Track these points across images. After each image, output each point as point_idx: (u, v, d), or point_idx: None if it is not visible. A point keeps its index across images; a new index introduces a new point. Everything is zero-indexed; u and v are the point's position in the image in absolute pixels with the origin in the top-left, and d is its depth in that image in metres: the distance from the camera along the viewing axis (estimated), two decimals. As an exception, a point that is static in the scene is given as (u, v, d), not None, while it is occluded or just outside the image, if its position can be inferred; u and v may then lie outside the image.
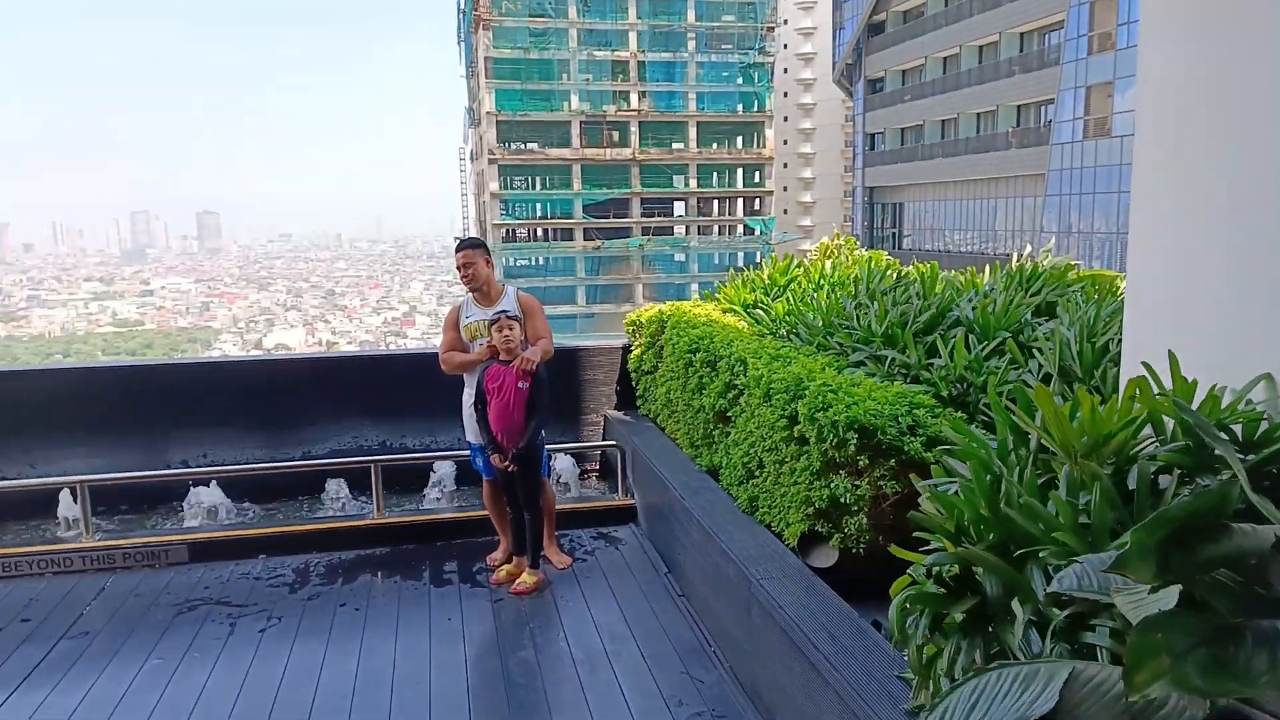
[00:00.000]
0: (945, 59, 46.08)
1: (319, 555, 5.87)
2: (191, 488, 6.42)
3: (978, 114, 43.75)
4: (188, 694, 4.21)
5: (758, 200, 68.31)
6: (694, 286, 56.14)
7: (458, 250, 5.55)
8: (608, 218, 65.48)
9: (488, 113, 62.53)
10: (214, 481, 6.46)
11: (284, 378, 7.32)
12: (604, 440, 7.11)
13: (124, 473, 6.37)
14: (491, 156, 62.95)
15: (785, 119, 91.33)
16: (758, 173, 67.61)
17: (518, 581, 5.26)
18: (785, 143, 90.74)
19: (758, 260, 7.95)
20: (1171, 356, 2.36)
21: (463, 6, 65.73)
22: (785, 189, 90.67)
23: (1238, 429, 2.20)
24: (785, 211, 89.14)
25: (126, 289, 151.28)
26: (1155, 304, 2.71)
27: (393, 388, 7.20)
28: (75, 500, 6.04)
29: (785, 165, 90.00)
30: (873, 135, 52.19)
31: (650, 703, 3.98)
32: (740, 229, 67.85)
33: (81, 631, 4.92)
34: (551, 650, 4.54)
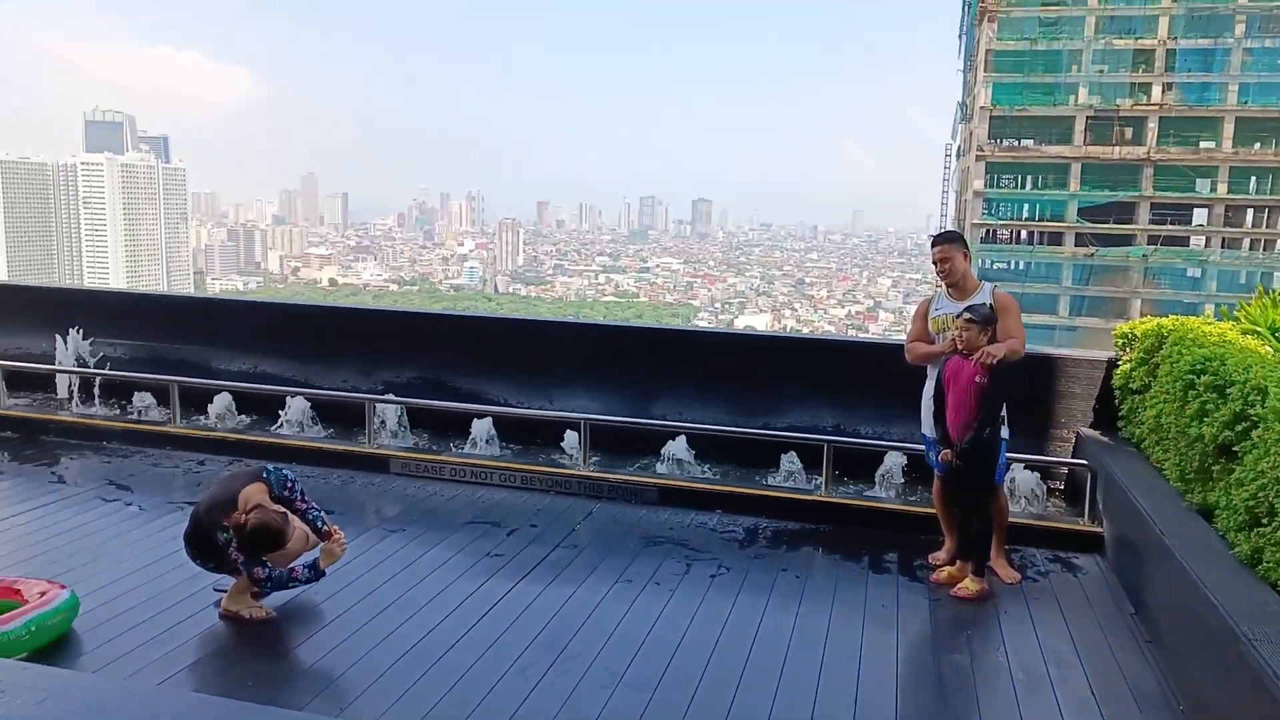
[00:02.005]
0: None
1: (767, 520, 6.28)
2: (672, 438, 7.18)
3: None
4: (649, 614, 4.81)
5: (1310, 212, 56.46)
6: (1208, 308, 48.29)
7: (934, 244, 5.50)
8: (1107, 223, 58.91)
9: (981, 107, 59.69)
10: (684, 437, 7.17)
11: (755, 354, 7.90)
12: (1073, 458, 6.56)
13: (617, 417, 7.38)
14: (980, 153, 60.08)
15: (1365, 113, 73.97)
16: (1314, 178, 55.83)
17: (959, 585, 5.11)
18: (1360, 143, 73.54)
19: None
20: None
21: (969, -1, 63.40)
22: (1353, 199, 73.62)
23: None
24: (1349, 227, 72.43)
25: (628, 265, 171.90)
26: None
27: (851, 373, 7.36)
28: (577, 434, 7.14)
29: (1356, 170, 73.03)
30: None
31: (1095, 742, 3.66)
32: (1280, 245, 56.76)
33: (572, 544, 5.84)
34: (988, 661, 4.37)
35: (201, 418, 8.17)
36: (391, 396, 7.87)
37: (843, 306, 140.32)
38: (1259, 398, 4.29)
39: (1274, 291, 6.58)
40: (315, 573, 4.77)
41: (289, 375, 8.61)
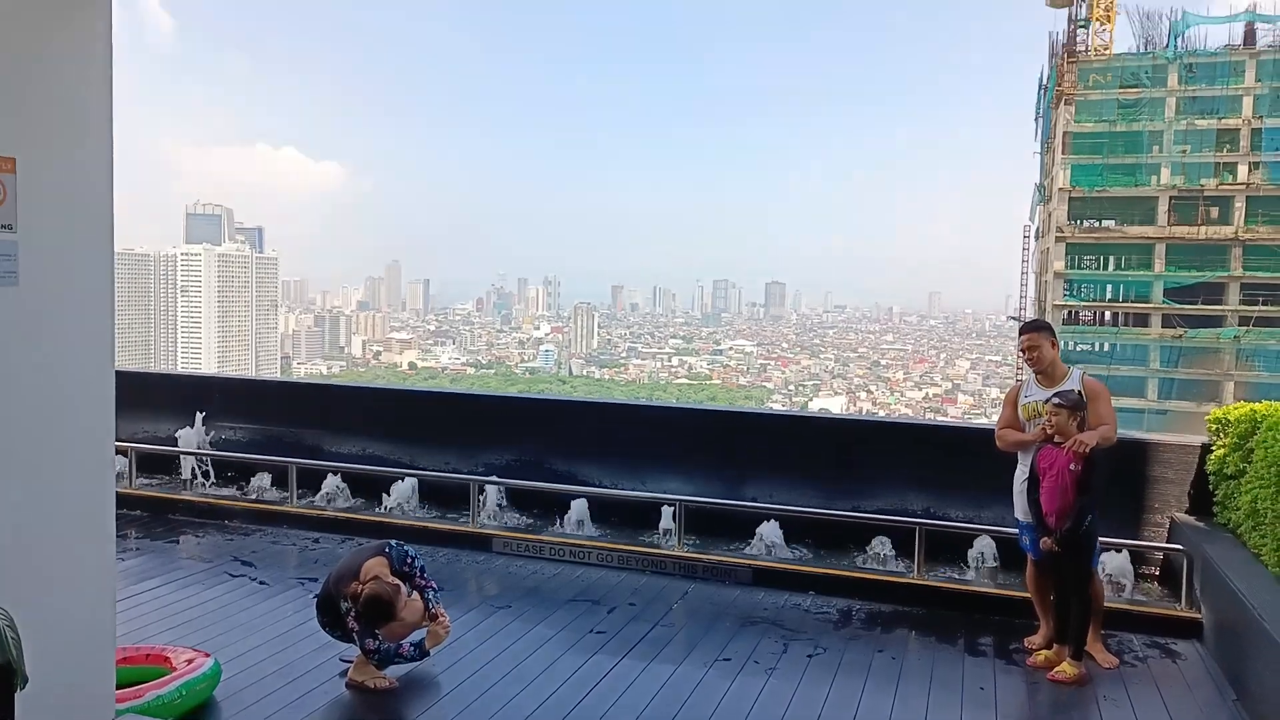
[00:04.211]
0: None
1: (860, 602, 6.41)
2: (764, 521, 7.38)
3: None
4: (750, 692, 5.00)
5: None
6: (1308, 390, 46.34)
7: (1022, 332, 5.72)
8: (1195, 303, 57.41)
9: (1060, 188, 59.39)
10: (775, 520, 7.38)
11: (843, 437, 8.12)
12: (1168, 543, 6.56)
13: (709, 499, 7.64)
14: (1060, 234, 59.53)
15: None
16: None
17: (1057, 669, 5.17)
18: None
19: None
20: None
21: (1045, 82, 63.68)
22: None
23: None
24: None
25: (702, 347, 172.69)
26: None
27: (941, 457, 7.51)
28: (672, 516, 7.41)
29: None
30: None
31: (1201, 825, 3.70)
32: (1386, 325, 54.42)
33: (670, 623, 6.07)
34: (1089, 744, 4.43)
35: (314, 497, 8.69)
36: (494, 477, 8.28)
37: (919, 389, 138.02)
38: (1356, 484, 4.36)
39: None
40: (420, 652, 5.11)
41: (395, 457, 9.10)
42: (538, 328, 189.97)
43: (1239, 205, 56.52)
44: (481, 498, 8.10)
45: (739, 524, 7.57)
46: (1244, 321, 56.31)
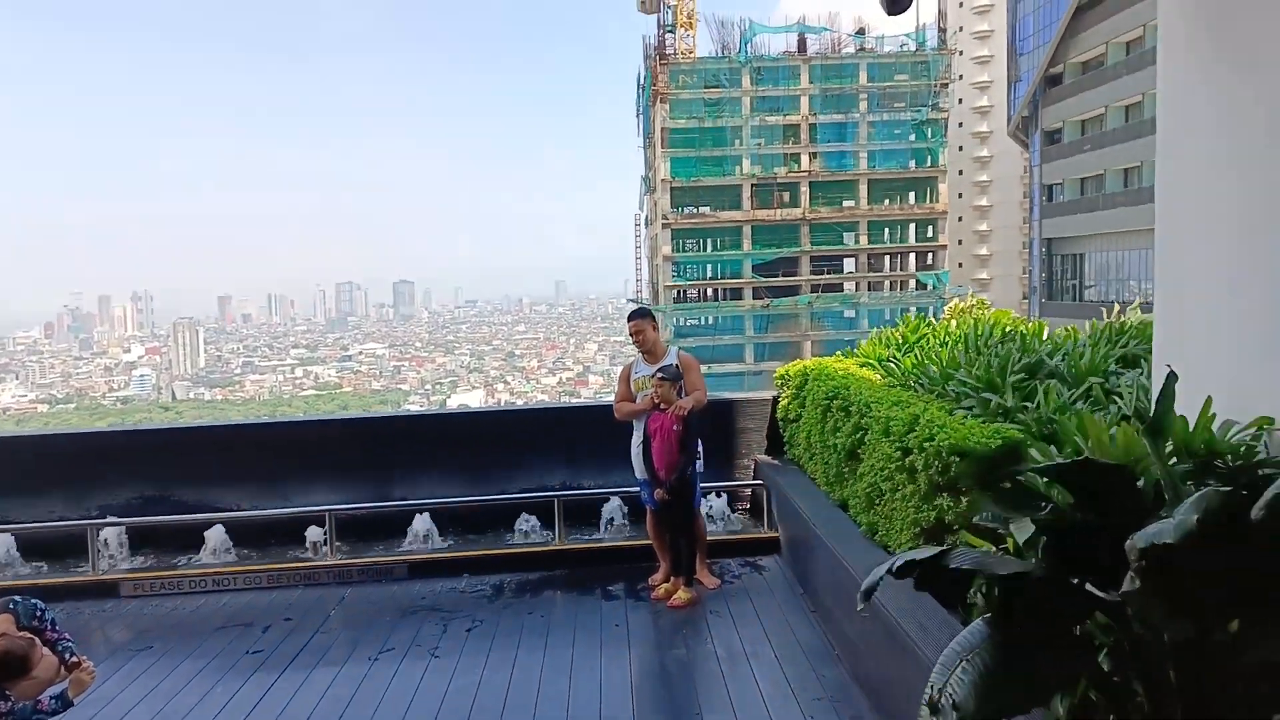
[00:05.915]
0: (1128, 107, 44.59)
1: (511, 575, 6.98)
2: (415, 516, 7.67)
3: (1165, 158, 41.84)
4: (415, 672, 5.33)
5: (930, 255, 67.22)
6: (863, 343, 55.72)
7: (629, 320, 6.62)
8: (777, 276, 66.28)
9: (663, 180, 65.19)
10: (427, 513, 7.71)
11: (483, 429, 8.62)
12: (752, 480, 7.92)
13: (358, 504, 7.76)
14: (665, 221, 65.39)
15: (960, 173, 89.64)
16: (930, 227, 66.67)
17: (674, 597, 6.14)
18: (960, 196, 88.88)
19: (930, 315, 8.54)
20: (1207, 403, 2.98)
21: (642, 82, 69.32)
22: (960, 242, 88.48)
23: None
24: (960, 265, 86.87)
25: (328, 354, 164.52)
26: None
27: (571, 435, 8.31)
28: (321, 527, 7.43)
29: (960, 219, 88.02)
30: (1050, 186, 50.76)
31: (778, 690, 4.75)
32: (912, 284, 66.90)
33: (329, 629, 6.17)
34: (700, 650, 5.38)
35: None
36: (113, 518, 7.66)
37: (554, 374, 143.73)
38: (869, 411, 5.70)
39: (879, 330, 8.44)
40: (64, 703, 4.77)
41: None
42: (128, 350, 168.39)
43: (804, 190, 66.05)
44: (100, 542, 7.47)
45: (393, 523, 7.78)
46: (814, 289, 66.18)
